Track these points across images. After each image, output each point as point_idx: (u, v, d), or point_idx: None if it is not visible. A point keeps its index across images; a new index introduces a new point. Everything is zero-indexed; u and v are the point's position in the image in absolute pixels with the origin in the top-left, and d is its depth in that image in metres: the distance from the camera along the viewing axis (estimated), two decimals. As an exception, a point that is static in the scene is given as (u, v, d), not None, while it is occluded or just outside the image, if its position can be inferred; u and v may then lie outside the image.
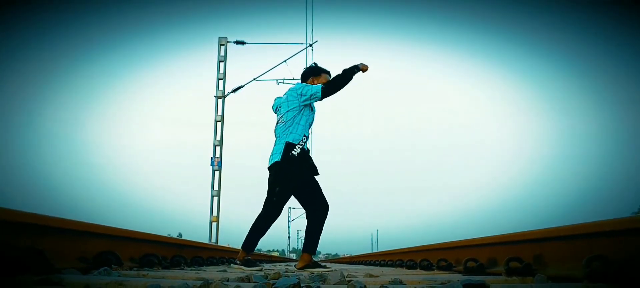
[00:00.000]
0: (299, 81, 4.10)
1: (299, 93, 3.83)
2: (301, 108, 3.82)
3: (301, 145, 3.75)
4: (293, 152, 3.70)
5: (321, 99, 3.79)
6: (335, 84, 3.79)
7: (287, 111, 3.83)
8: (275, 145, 3.83)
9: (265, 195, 3.80)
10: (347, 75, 3.78)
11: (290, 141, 3.73)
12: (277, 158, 3.72)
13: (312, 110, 3.94)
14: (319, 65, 4.09)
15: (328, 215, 3.86)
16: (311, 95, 3.79)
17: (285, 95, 3.93)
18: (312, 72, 4.04)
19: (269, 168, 3.83)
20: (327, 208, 3.81)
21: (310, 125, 3.90)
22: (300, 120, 3.80)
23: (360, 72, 3.80)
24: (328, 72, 4.05)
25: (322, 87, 3.76)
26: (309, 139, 3.91)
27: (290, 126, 3.78)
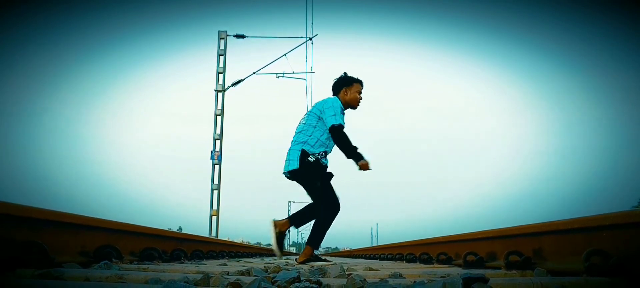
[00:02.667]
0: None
1: (320, 110, 3.77)
2: (319, 120, 3.77)
3: (317, 156, 3.72)
4: (308, 159, 3.70)
5: (328, 128, 3.70)
6: (343, 141, 3.69)
7: (308, 116, 3.83)
8: (290, 149, 3.82)
9: (311, 197, 3.80)
10: (349, 152, 3.68)
11: (306, 150, 3.72)
12: (295, 166, 3.72)
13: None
14: (350, 74, 3.95)
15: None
16: (325, 119, 3.72)
17: (316, 104, 3.89)
18: (344, 83, 3.91)
19: (286, 173, 3.83)
20: (338, 209, 3.80)
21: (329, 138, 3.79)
22: (315, 130, 3.75)
23: (358, 165, 3.67)
24: (360, 82, 3.93)
25: (337, 126, 3.65)
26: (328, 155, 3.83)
27: (307, 132, 3.76)
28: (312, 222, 3.87)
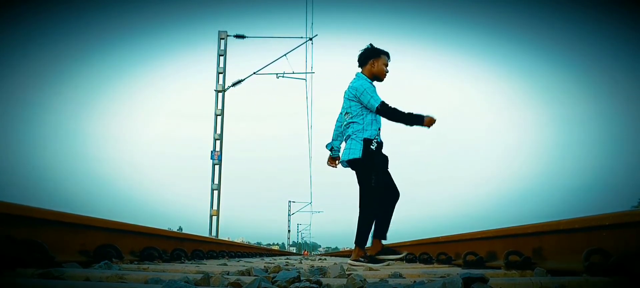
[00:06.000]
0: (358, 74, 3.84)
1: (354, 95, 3.68)
2: (362, 107, 3.68)
3: (376, 139, 3.66)
4: (371, 146, 3.63)
5: (375, 113, 3.63)
6: (393, 115, 3.60)
7: (351, 106, 3.72)
8: (351, 140, 3.70)
9: (360, 189, 3.68)
10: (407, 121, 3.58)
11: (367, 137, 3.64)
12: (358, 155, 3.62)
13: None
14: (375, 46, 3.84)
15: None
16: (365, 105, 3.65)
17: (348, 89, 3.77)
18: (372, 54, 3.79)
19: (344, 162, 3.76)
20: (398, 196, 3.73)
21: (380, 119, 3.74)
22: (367, 115, 3.67)
23: (425, 125, 3.56)
24: (387, 54, 3.82)
25: (379, 107, 3.58)
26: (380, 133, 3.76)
27: (361, 122, 3.67)
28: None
